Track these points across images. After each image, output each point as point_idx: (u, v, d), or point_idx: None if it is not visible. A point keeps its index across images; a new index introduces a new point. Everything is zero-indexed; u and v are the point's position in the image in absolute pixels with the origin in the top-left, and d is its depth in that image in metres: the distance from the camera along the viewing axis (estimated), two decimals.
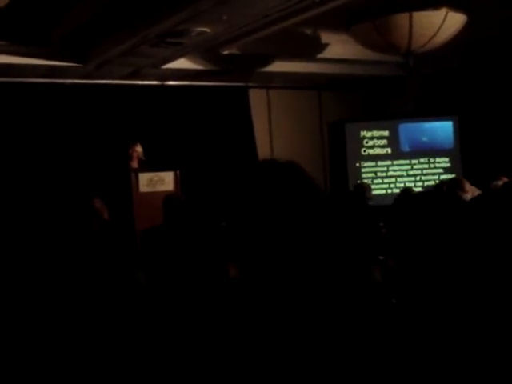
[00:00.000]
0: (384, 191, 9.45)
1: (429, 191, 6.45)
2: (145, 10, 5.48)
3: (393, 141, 9.59)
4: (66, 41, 6.40)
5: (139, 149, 7.56)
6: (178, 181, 7.46)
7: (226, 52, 7.30)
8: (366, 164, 9.64)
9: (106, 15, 5.67)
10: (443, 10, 6.04)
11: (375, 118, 9.89)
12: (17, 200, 7.31)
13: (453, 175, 8.81)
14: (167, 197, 5.33)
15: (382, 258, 5.26)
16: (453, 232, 3.13)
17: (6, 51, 6.41)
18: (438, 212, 3.98)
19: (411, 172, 9.52)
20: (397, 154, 9.58)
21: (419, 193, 5.93)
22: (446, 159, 9.42)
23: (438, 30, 6.21)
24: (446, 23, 6.16)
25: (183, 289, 4.14)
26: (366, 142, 9.67)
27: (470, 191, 5.76)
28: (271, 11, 5.56)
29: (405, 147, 9.57)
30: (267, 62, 8.20)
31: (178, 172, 7.52)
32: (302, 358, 1.31)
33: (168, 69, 7.62)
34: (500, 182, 6.23)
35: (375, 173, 9.59)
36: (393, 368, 1.34)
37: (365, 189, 7.25)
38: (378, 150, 9.65)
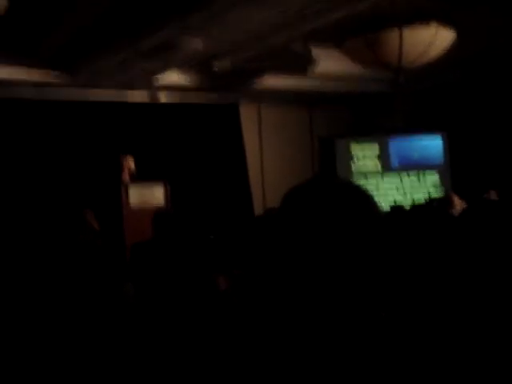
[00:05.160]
0: None
1: (419, 208, 6.46)
2: (136, 23, 5.50)
3: (383, 157, 9.62)
4: (57, 54, 6.40)
5: (131, 162, 7.56)
6: (168, 195, 7.46)
7: (217, 68, 7.31)
8: (356, 180, 9.66)
9: (97, 28, 5.68)
10: (433, 27, 6.09)
11: (365, 134, 9.92)
12: (8, 212, 7.29)
13: (442, 190, 8.84)
14: (157, 211, 5.32)
15: None
16: (443, 248, 3.14)
17: None
18: (429, 229, 3.99)
19: (401, 187, 9.54)
20: (387, 170, 9.61)
21: (409, 210, 5.94)
22: (436, 174, 9.46)
23: (427, 47, 6.26)
24: (436, 40, 6.21)
25: (173, 302, 4.13)
26: (357, 158, 9.69)
27: (459, 205, 5.79)
28: (262, 26, 5.59)
29: (395, 163, 9.60)
30: (258, 78, 8.22)
31: (168, 186, 7.52)
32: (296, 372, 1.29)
33: (160, 85, 7.64)
34: (489, 197, 6.26)
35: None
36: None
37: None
38: (368, 166, 9.67)
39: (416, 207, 6.21)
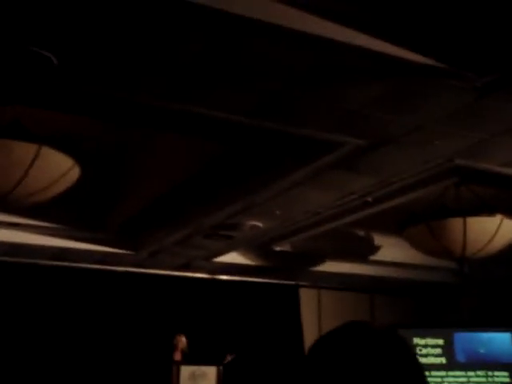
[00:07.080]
0: None
1: None
2: (198, 202, 5.61)
3: (448, 350, 9.17)
4: (121, 228, 6.54)
5: (184, 340, 7.48)
6: (220, 376, 7.25)
7: (277, 248, 7.32)
8: None
9: (160, 205, 5.81)
10: (498, 217, 5.99)
11: (429, 326, 9.56)
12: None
13: None
14: None
15: None
16: None
17: (61, 235, 6.57)
18: None
19: None
20: (452, 365, 9.10)
21: None
22: (506, 373, 8.89)
23: (492, 237, 6.12)
24: (501, 230, 6.08)
25: None
26: (420, 350, 9.26)
27: None
28: (323, 208, 5.62)
29: (460, 358, 9.12)
30: (318, 261, 8.16)
31: (221, 367, 7.33)
32: None
33: (219, 262, 7.66)
34: None
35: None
36: None
37: None
38: (431, 359, 9.20)
39: None
